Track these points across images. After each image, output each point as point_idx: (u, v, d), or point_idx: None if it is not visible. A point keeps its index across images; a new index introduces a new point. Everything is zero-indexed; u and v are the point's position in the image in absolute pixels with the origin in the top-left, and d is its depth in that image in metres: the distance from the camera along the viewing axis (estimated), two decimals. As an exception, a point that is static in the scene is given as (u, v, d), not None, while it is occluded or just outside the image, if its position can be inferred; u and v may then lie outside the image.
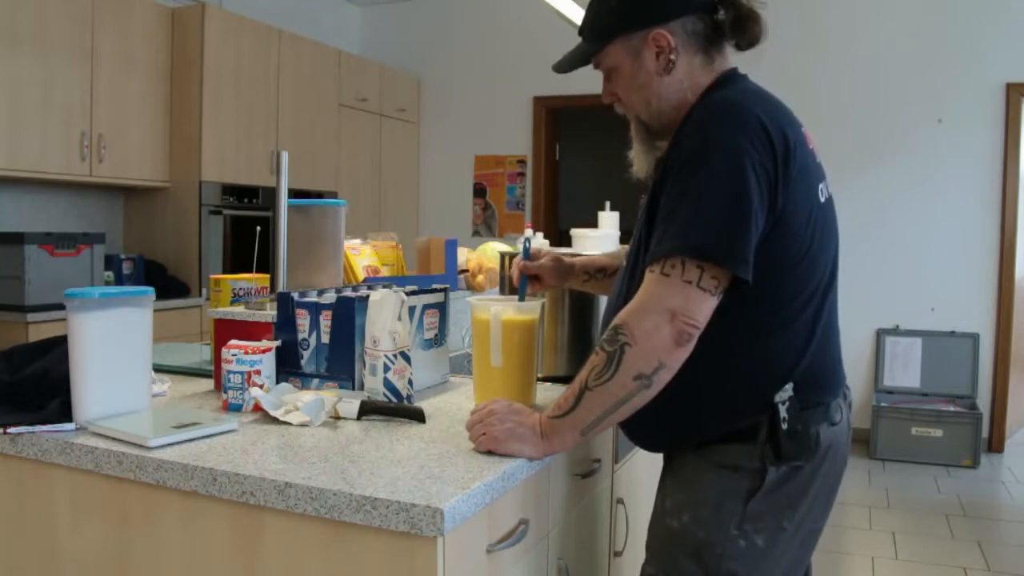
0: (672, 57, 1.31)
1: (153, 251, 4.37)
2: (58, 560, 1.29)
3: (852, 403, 1.41)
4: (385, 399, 1.52)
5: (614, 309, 1.34)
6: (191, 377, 1.84)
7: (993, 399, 4.94)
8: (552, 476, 1.40)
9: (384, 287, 1.63)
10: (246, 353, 1.51)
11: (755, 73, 1.38)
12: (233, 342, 1.54)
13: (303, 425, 1.39)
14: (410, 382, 1.55)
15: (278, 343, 1.61)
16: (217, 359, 1.65)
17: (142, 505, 1.22)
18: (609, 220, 2.73)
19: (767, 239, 1.22)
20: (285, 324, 1.63)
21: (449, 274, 2.37)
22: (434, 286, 1.76)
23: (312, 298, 1.64)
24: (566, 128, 6.58)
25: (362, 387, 1.58)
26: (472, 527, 1.11)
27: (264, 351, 1.53)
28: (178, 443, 1.26)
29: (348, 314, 1.58)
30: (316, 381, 1.62)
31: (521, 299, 1.60)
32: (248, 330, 1.66)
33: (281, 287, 1.79)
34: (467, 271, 2.56)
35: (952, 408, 4.76)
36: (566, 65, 1.42)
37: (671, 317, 1.18)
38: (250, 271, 1.97)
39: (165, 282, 4.19)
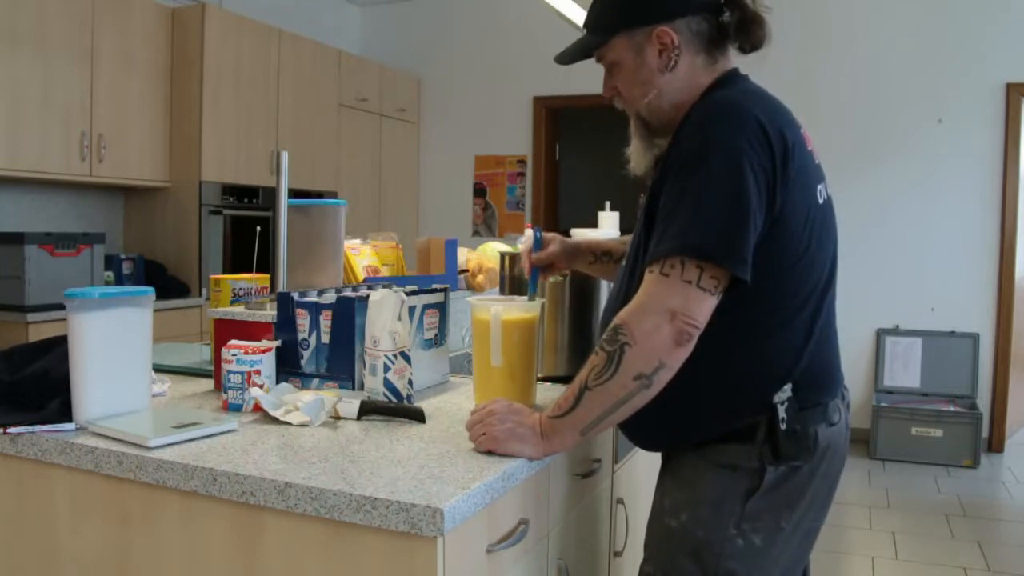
0: (675, 55, 1.31)
1: (153, 251, 4.38)
2: (58, 560, 1.29)
3: (850, 403, 1.41)
4: (385, 399, 1.52)
5: (613, 308, 1.35)
6: (191, 377, 1.84)
7: (993, 399, 4.94)
8: (552, 476, 1.40)
9: (384, 287, 1.63)
10: (246, 353, 1.51)
11: (756, 73, 1.38)
12: (233, 342, 1.54)
13: (303, 425, 1.39)
14: (410, 382, 1.55)
15: (278, 343, 1.61)
16: (217, 359, 1.65)
17: (142, 505, 1.22)
18: (609, 220, 2.73)
19: (765, 239, 1.22)
20: (285, 324, 1.63)
21: (449, 274, 2.37)
22: (434, 286, 1.76)
23: (312, 298, 1.64)
24: (566, 128, 6.58)
25: (362, 387, 1.58)
26: (472, 527, 1.11)
27: (264, 351, 1.53)
28: (178, 443, 1.26)
29: (348, 314, 1.58)
30: (316, 381, 1.62)
31: (532, 292, 1.61)
32: (248, 330, 1.66)
33: (281, 287, 1.79)
34: (467, 271, 2.56)
35: (952, 408, 4.76)
36: (568, 57, 1.43)
37: (671, 317, 1.18)
38: (250, 271, 1.97)
39: (165, 282, 4.19)
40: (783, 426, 1.24)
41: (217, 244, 4.37)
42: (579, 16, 3.50)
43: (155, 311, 1.46)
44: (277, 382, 1.58)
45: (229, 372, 1.50)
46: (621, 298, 1.33)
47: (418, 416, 1.43)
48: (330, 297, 1.63)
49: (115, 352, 1.35)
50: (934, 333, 4.99)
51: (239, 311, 1.71)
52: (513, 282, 1.90)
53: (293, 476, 1.11)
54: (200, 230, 4.29)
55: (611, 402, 1.21)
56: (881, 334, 5.09)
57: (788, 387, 1.26)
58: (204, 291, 4.17)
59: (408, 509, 1.02)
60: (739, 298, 1.22)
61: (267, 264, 1.94)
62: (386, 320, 1.51)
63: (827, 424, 1.30)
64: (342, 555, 1.08)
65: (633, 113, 1.40)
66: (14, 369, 1.45)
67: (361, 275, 2.18)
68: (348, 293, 1.68)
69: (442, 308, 1.76)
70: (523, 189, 6.12)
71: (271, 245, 1.85)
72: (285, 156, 1.81)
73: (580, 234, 2.48)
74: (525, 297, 1.66)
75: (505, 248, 2.37)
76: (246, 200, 4.56)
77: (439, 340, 1.77)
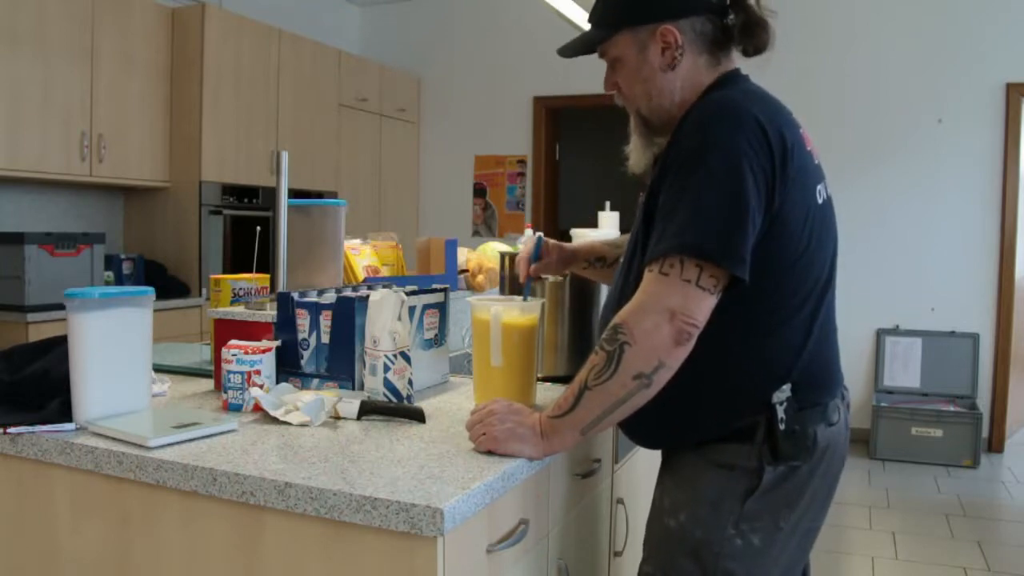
0: (677, 54, 1.32)
1: (153, 251, 4.38)
2: (58, 560, 1.29)
3: (850, 403, 1.41)
4: (385, 399, 1.52)
5: (611, 307, 1.35)
6: (191, 377, 1.84)
7: (993, 399, 4.94)
8: (552, 476, 1.40)
9: (384, 287, 1.63)
10: (246, 353, 1.51)
11: (756, 73, 1.38)
12: (233, 342, 1.54)
13: (303, 425, 1.39)
14: (410, 382, 1.55)
15: (278, 343, 1.61)
16: (217, 359, 1.65)
17: (142, 505, 1.22)
18: (609, 220, 2.73)
19: (764, 238, 1.22)
20: (285, 324, 1.63)
21: (449, 274, 2.37)
22: (434, 286, 1.76)
23: (312, 298, 1.64)
24: (566, 128, 6.58)
25: (362, 387, 1.58)
26: (472, 527, 1.11)
27: (264, 351, 1.53)
28: (178, 443, 1.26)
29: (348, 314, 1.58)
30: (316, 381, 1.62)
31: (526, 296, 1.61)
32: (248, 330, 1.66)
33: (281, 287, 1.79)
34: (467, 271, 2.56)
35: (952, 408, 4.76)
36: (571, 50, 1.43)
37: (670, 316, 1.18)
38: (250, 271, 1.97)
39: (165, 282, 4.19)
40: (782, 426, 1.24)
41: (217, 244, 4.37)
42: (579, 16, 3.51)
43: (155, 311, 1.46)
44: (277, 382, 1.58)
45: (229, 372, 1.50)
46: (618, 296, 1.34)
47: (418, 416, 1.43)
48: (330, 297, 1.64)
49: (115, 352, 1.35)
50: (934, 333, 4.99)
51: (239, 311, 1.71)
52: (513, 282, 1.91)
53: (293, 476, 1.11)
54: (200, 230, 4.29)
55: (611, 402, 1.21)
56: (881, 334, 5.09)
57: (787, 387, 1.26)
58: (204, 291, 4.17)
59: (408, 509, 1.02)
60: (738, 297, 1.22)
61: (267, 264, 1.94)
62: (386, 320, 1.51)
63: (826, 424, 1.30)
64: (342, 555, 1.08)
65: (633, 110, 1.41)
66: (14, 369, 1.45)
67: (361, 275, 2.18)
68: (348, 293, 1.68)
69: (442, 308, 1.76)
70: (523, 189, 6.12)
71: (271, 245, 1.85)
72: (285, 156, 1.81)
73: (580, 234, 2.48)
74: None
75: (505, 248, 2.38)
76: (246, 200, 4.56)
77: (439, 340, 1.77)
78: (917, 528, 3.63)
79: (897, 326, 5.09)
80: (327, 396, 1.46)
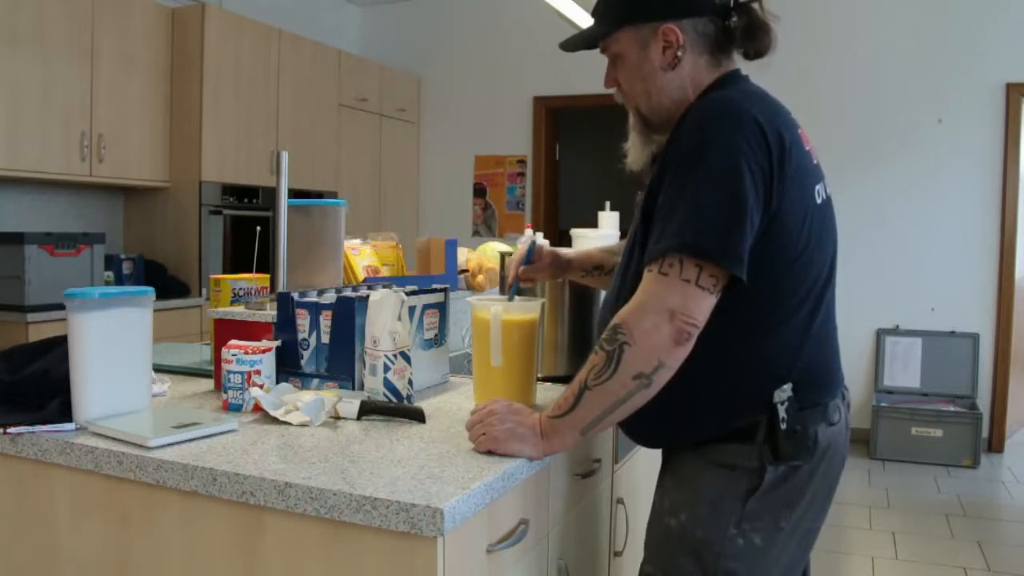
0: (679, 54, 1.32)
1: (153, 251, 4.38)
2: (58, 560, 1.29)
3: (850, 403, 1.41)
4: (385, 399, 1.52)
5: (610, 306, 1.35)
6: (191, 377, 1.84)
7: (993, 399, 4.94)
8: (552, 476, 1.40)
9: (384, 287, 1.63)
10: (246, 353, 1.51)
11: (756, 74, 1.38)
12: (233, 342, 1.54)
13: (303, 425, 1.39)
14: (410, 382, 1.55)
15: (278, 343, 1.61)
16: (217, 359, 1.65)
17: (142, 505, 1.22)
18: (609, 220, 2.73)
19: (762, 238, 1.22)
20: (285, 324, 1.63)
21: (449, 274, 2.37)
22: (434, 286, 1.76)
23: (312, 298, 1.64)
24: (566, 128, 6.58)
25: (362, 387, 1.58)
26: (472, 527, 1.11)
27: (264, 351, 1.53)
28: (178, 443, 1.26)
29: (348, 314, 1.58)
30: (316, 381, 1.62)
31: (511, 297, 1.60)
32: (248, 330, 1.66)
33: (281, 287, 1.79)
34: (467, 271, 2.56)
35: (952, 408, 4.76)
36: (573, 45, 1.44)
37: (670, 316, 1.18)
38: (250, 271, 1.97)
39: (165, 282, 4.19)
40: (783, 426, 1.24)
41: (217, 244, 4.37)
42: (579, 16, 3.51)
43: (155, 311, 1.46)
44: (277, 382, 1.58)
45: (229, 372, 1.50)
46: (616, 294, 1.34)
47: (418, 416, 1.43)
48: (330, 297, 1.63)
49: (115, 352, 1.35)
50: (934, 333, 4.99)
51: (239, 311, 1.71)
52: (503, 282, 1.91)
53: (293, 476, 1.11)
54: (200, 230, 4.29)
55: (611, 401, 1.21)
56: (881, 334, 5.09)
57: (788, 387, 1.26)
58: (204, 291, 4.17)
59: (408, 509, 1.02)
60: (737, 297, 1.22)
61: (267, 264, 1.94)
62: (386, 320, 1.51)
63: (827, 424, 1.30)
64: (342, 555, 1.08)
65: (632, 107, 1.41)
66: (14, 369, 1.45)
67: (361, 275, 2.18)
68: (348, 293, 1.68)
69: (442, 308, 1.76)
70: (523, 189, 6.12)
71: (271, 245, 1.85)
72: (285, 156, 1.81)
73: (580, 234, 2.48)
74: (525, 297, 1.66)
75: (505, 248, 2.38)
76: (246, 200, 4.56)
77: (439, 340, 1.77)
78: (917, 528, 3.63)
79: (897, 326, 5.09)
80: (327, 396, 1.46)
